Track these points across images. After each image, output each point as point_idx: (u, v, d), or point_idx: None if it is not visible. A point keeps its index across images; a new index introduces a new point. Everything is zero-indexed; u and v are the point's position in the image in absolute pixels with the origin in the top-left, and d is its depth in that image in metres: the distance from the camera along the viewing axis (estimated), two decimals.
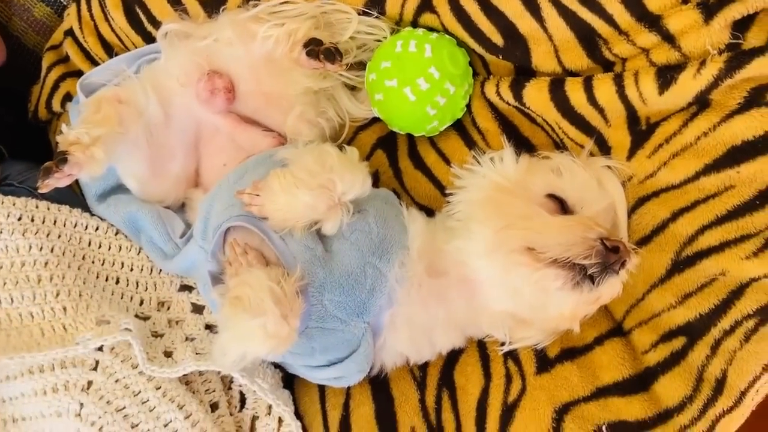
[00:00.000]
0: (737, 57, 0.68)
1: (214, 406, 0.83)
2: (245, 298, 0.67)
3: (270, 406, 0.83)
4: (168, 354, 0.82)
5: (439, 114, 0.83)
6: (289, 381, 0.85)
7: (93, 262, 0.88)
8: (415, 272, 0.75)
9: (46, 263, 0.82)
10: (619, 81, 0.73)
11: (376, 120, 0.93)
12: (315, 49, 0.81)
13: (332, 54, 0.81)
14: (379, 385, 0.81)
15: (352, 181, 0.73)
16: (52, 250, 0.83)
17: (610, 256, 0.67)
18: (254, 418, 0.84)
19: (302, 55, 0.82)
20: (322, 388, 0.83)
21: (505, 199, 0.74)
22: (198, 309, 0.89)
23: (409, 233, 0.76)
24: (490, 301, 0.74)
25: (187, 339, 0.86)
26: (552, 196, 0.73)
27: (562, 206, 0.73)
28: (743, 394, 0.72)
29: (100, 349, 0.79)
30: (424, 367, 0.82)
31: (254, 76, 0.87)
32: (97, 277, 0.87)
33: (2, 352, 0.75)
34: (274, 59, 0.85)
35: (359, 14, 0.86)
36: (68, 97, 1.02)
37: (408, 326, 0.75)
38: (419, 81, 0.81)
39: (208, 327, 0.87)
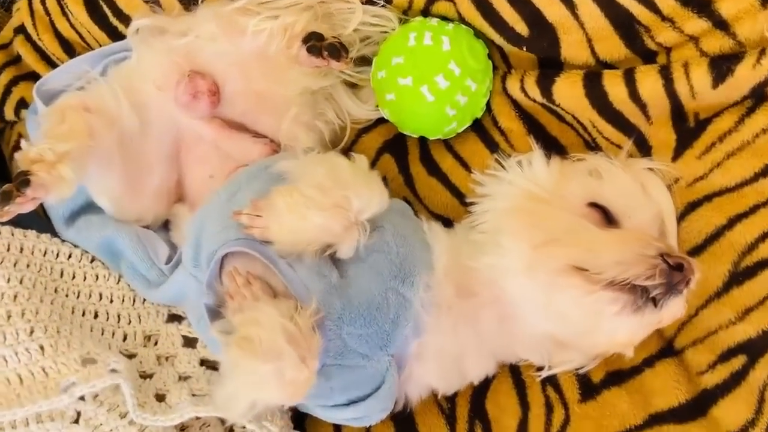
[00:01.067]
0: None
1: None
2: (256, 339, 0.58)
3: None
4: (160, 397, 0.73)
5: (459, 114, 0.75)
6: (300, 419, 0.76)
7: (67, 295, 0.78)
8: (443, 295, 0.66)
9: (15, 296, 0.73)
10: (666, 74, 0.66)
11: (381, 121, 0.83)
12: (317, 44, 0.72)
13: (337, 50, 0.71)
14: (403, 421, 0.73)
15: (369, 197, 0.65)
16: (21, 282, 0.74)
17: (674, 275, 0.59)
18: None
19: (302, 52, 0.73)
20: (338, 428, 0.74)
21: (540, 209, 0.66)
22: (190, 342, 0.79)
23: (433, 251, 0.68)
24: (528, 325, 0.66)
25: (180, 378, 0.76)
26: (594, 205, 0.65)
27: (606, 216, 0.65)
28: None
29: (82, 397, 0.69)
30: (452, 397, 0.74)
31: (243, 76, 0.77)
32: (73, 311, 0.77)
33: None
34: (266, 56, 0.75)
35: (363, 3, 0.76)
36: (23, 103, 0.91)
37: (437, 356, 0.67)
38: (438, 79, 0.73)
39: (204, 362, 0.78)
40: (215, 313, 0.67)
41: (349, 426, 0.74)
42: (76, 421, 0.69)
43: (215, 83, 0.77)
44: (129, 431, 0.70)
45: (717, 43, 0.65)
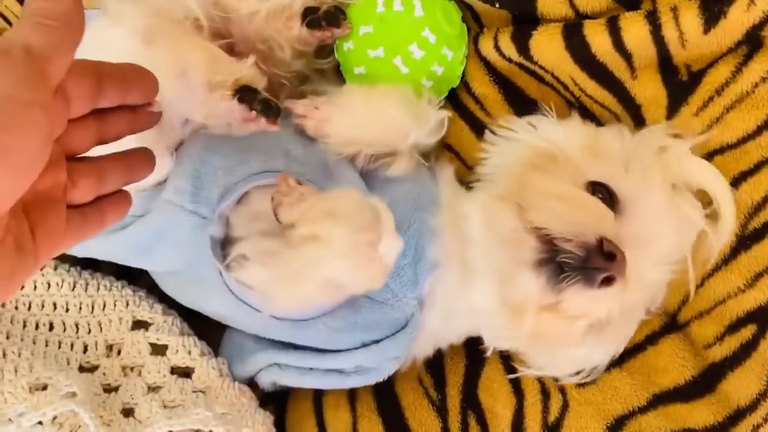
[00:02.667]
0: None
1: None
2: (343, 211, 0.54)
3: None
4: (128, 412, 0.68)
5: (436, 86, 0.69)
6: (281, 420, 0.71)
7: (17, 308, 0.73)
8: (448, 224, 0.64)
9: None
10: (653, 19, 0.59)
11: None
12: (315, 17, 0.66)
13: (334, 16, 0.66)
14: (391, 416, 0.69)
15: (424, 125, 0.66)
16: None
17: (596, 259, 0.53)
18: None
19: (303, 30, 0.66)
20: (322, 426, 0.70)
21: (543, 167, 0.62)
22: (159, 350, 0.73)
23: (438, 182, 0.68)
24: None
25: (150, 389, 0.70)
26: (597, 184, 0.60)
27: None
28: None
29: (40, 422, 0.63)
30: (442, 387, 0.69)
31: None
32: (25, 325, 0.72)
33: None
34: (261, 40, 0.68)
35: None
36: None
37: (444, 296, 0.64)
38: (411, 48, 0.66)
39: (175, 370, 0.71)
40: (216, 246, 0.62)
41: (334, 425, 0.69)
42: None
43: None
44: None
45: None
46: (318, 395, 0.71)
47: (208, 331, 0.76)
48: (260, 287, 0.57)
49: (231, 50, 0.69)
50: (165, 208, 0.63)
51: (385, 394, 0.70)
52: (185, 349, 0.72)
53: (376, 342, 0.63)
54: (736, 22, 0.57)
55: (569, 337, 0.57)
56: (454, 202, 0.66)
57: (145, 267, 0.69)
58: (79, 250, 0.70)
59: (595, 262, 0.53)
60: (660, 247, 0.59)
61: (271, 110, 0.59)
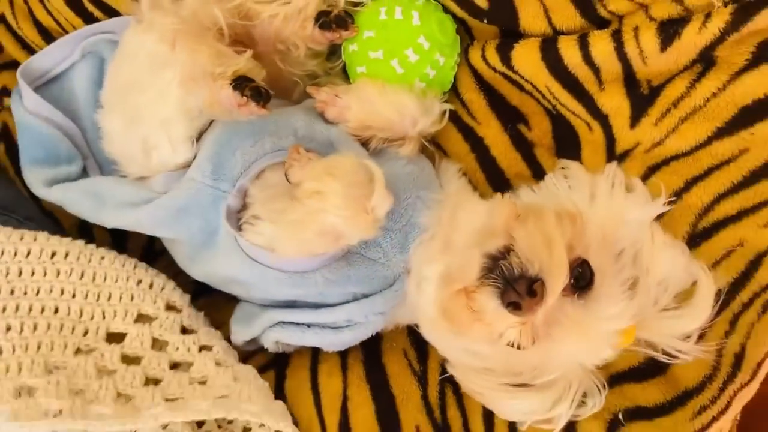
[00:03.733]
0: (744, 8, 0.64)
1: (200, 424, 0.76)
2: (341, 170, 0.63)
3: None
4: (125, 398, 0.72)
5: (428, 87, 0.77)
6: (280, 387, 0.79)
7: (25, 293, 0.75)
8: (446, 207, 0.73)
9: None
10: (617, 37, 0.68)
11: None
12: (327, 20, 0.76)
13: (344, 20, 0.76)
14: (378, 384, 0.77)
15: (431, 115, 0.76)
16: None
17: (521, 285, 0.60)
18: (246, 430, 0.78)
19: (316, 31, 0.76)
20: (316, 392, 0.77)
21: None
22: (160, 345, 0.78)
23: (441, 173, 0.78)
24: None
25: (148, 381, 0.75)
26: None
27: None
28: (759, 366, 0.70)
29: None
30: (424, 360, 0.77)
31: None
32: (30, 311, 0.75)
33: None
34: (280, 40, 0.78)
35: None
36: (5, 91, 0.94)
37: (419, 262, 0.71)
38: (407, 52, 0.75)
39: (174, 366, 0.77)
40: (231, 217, 0.71)
41: (327, 390, 0.77)
42: None
43: None
44: None
45: (666, 10, 0.66)
46: (314, 364, 0.79)
47: (217, 305, 0.85)
48: (269, 241, 0.67)
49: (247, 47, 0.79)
50: (189, 185, 0.73)
51: (373, 365, 0.78)
52: (185, 345, 0.77)
53: (366, 296, 0.71)
54: (689, 43, 0.65)
55: (464, 329, 0.65)
56: (457, 194, 0.74)
57: (168, 236, 0.79)
58: (111, 221, 0.79)
59: (518, 286, 0.60)
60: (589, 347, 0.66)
61: (260, 96, 0.68)
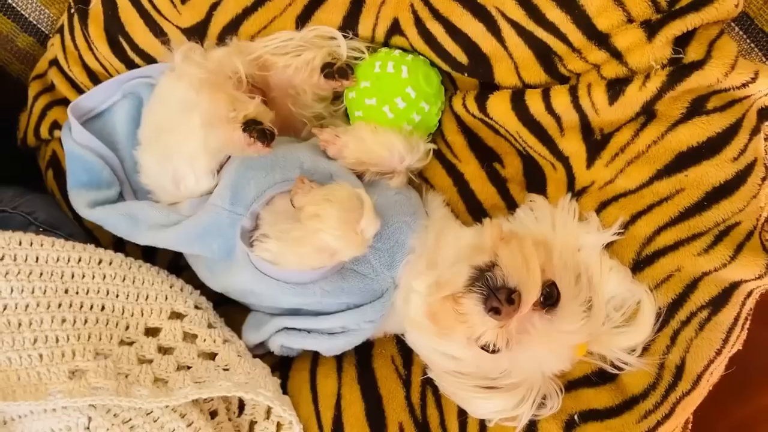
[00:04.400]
0: (678, 70, 0.75)
1: (213, 414, 0.88)
2: (335, 196, 0.75)
3: (268, 411, 0.88)
4: (161, 381, 0.85)
5: (414, 130, 0.89)
6: (284, 386, 0.91)
7: (77, 293, 0.87)
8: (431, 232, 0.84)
9: (26, 307, 0.83)
10: (573, 92, 0.79)
11: None
12: (330, 71, 0.88)
13: (345, 71, 0.89)
14: (367, 385, 0.87)
15: (416, 153, 0.87)
16: (33, 292, 0.84)
17: (502, 293, 0.71)
18: (252, 423, 0.89)
19: (321, 79, 0.89)
20: (314, 391, 0.88)
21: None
22: (190, 337, 0.91)
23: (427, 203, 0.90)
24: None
25: (180, 368, 0.88)
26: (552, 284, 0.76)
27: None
28: (699, 377, 0.80)
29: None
30: (408, 366, 0.88)
31: (271, 102, 0.93)
32: (81, 307, 0.87)
33: None
34: (291, 86, 0.91)
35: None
36: (56, 125, 1.06)
37: (407, 279, 0.82)
38: (397, 100, 0.87)
39: (201, 355, 0.89)
40: (245, 236, 0.82)
41: (324, 390, 0.87)
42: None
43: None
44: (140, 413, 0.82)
45: (613, 70, 0.78)
46: (313, 367, 0.90)
47: (230, 314, 0.96)
48: (275, 256, 0.78)
49: (265, 95, 0.92)
50: (210, 209, 0.85)
51: (364, 369, 0.88)
52: (211, 338, 0.90)
53: (358, 306, 0.82)
54: (632, 98, 0.76)
55: (448, 331, 0.75)
56: (441, 221, 0.86)
57: (193, 252, 0.90)
58: (144, 239, 0.91)
59: (499, 294, 0.71)
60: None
61: (265, 137, 0.80)
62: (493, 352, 0.74)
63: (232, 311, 0.96)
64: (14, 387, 0.79)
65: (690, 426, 0.89)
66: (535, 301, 0.73)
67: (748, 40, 0.96)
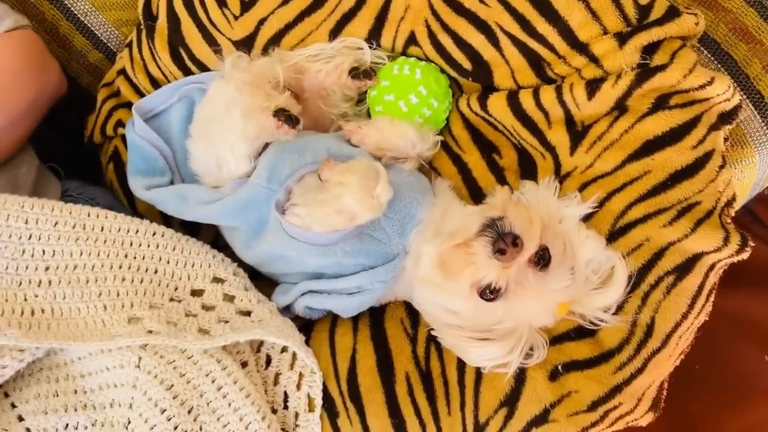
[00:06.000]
0: (644, 72, 0.90)
1: (244, 364, 1.00)
2: (356, 169, 0.89)
3: (292, 364, 1.00)
4: (204, 331, 0.98)
5: (425, 123, 1.04)
6: (306, 343, 1.03)
7: (135, 258, 1.01)
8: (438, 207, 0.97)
9: (93, 267, 0.97)
10: (558, 90, 0.95)
11: None
12: (357, 72, 1.05)
13: (368, 72, 1.05)
14: (379, 342, 0.98)
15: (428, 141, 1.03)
16: (98, 255, 0.98)
17: (508, 237, 0.83)
18: (277, 374, 1.01)
19: (348, 80, 1.05)
20: (333, 347, 1.00)
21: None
22: (229, 298, 1.04)
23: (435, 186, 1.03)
24: None
25: (220, 320, 1.00)
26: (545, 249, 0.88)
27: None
28: (668, 336, 0.89)
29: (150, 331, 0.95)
30: (416, 326, 0.99)
31: (304, 103, 1.09)
32: (138, 270, 1.00)
33: (54, 337, 0.91)
34: (323, 88, 1.07)
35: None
36: (120, 123, 1.23)
37: (417, 245, 0.94)
38: (411, 96, 1.02)
39: (239, 312, 1.03)
40: (279, 208, 0.95)
41: (341, 344, 1.00)
42: (150, 332, 0.95)
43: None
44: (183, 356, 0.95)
45: (591, 72, 0.93)
46: (332, 327, 1.02)
47: (261, 288, 1.09)
48: (303, 220, 0.92)
49: (298, 98, 1.09)
50: (249, 187, 1.00)
51: (377, 328, 1.00)
52: (247, 298, 1.03)
53: (372, 268, 0.95)
54: (607, 94, 0.91)
55: (455, 276, 0.86)
56: (447, 200, 0.99)
57: (233, 224, 1.04)
58: (191, 215, 1.05)
59: (506, 238, 0.84)
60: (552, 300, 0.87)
61: (291, 121, 0.96)
62: (491, 300, 0.87)
63: (262, 285, 1.10)
64: (83, 331, 0.93)
65: (665, 391, 0.99)
66: (531, 257, 0.85)
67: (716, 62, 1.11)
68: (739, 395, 1.68)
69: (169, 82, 1.19)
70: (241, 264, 1.09)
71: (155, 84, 1.21)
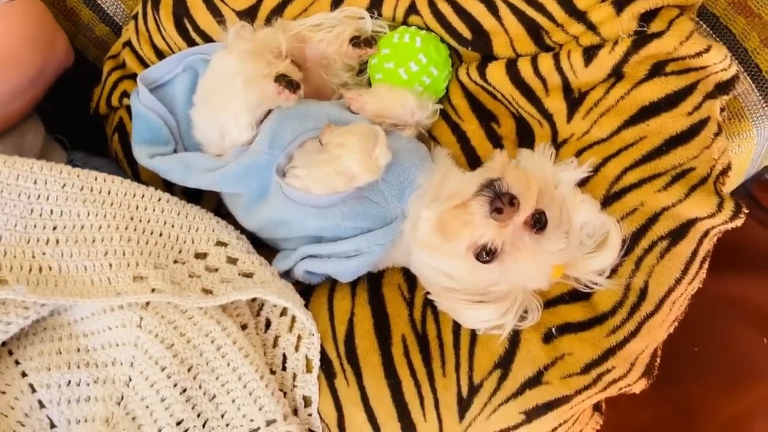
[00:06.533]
0: (641, 39, 0.91)
1: (243, 326, 1.02)
2: (356, 131, 0.91)
3: (290, 327, 1.02)
4: (207, 291, 1.00)
5: (425, 91, 1.06)
6: (306, 307, 1.05)
7: (140, 221, 1.03)
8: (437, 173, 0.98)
9: (99, 227, 0.99)
10: (556, 57, 0.96)
11: None
12: (358, 41, 1.06)
13: (369, 41, 1.07)
14: (377, 306, 1.00)
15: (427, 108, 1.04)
16: (104, 216, 1.00)
17: (505, 197, 0.84)
18: (276, 337, 1.03)
19: (349, 48, 1.07)
20: (331, 310, 1.02)
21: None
22: (233, 261, 1.06)
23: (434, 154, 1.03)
24: None
25: (223, 281, 1.03)
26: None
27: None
28: (662, 301, 0.91)
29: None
30: (412, 291, 1.01)
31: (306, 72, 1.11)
32: (143, 232, 1.02)
33: (60, 293, 0.93)
34: (324, 56, 1.09)
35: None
36: (125, 94, 1.25)
37: (415, 209, 0.96)
38: (410, 64, 1.03)
39: (241, 273, 1.05)
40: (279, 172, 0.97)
41: (339, 308, 1.02)
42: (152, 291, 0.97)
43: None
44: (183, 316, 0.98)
45: (589, 39, 0.94)
46: (331, 292, 1.03)
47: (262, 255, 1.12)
48: (303, 182, 0.93)
49: (301, 67, 1.11)
50: (251, 153, 1.01)
51: (375, 293, 1.01)
52: (250, 260, 1.04)
53: (370, 231, 0.96)
54: (604, 61, 0.93)
55: (453, 237, 0.87)
56: (446, 166, 1.00)
57: (235, 191, 1.06)
58: (194, 182, 1.07)
59: (503, 197, 0.85)
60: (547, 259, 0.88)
61: (291, 86, 0.97)
62: (487, 262, 0.88)
63: (263, 252, 1.11)
64: (89, 288, 0.94)
65: (658, 358, 1.00)
66: (527, 219, 0.87)
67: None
68: (738, 378, 1.70)
69: (173, 53, 1.19)
70: (243, 232, 1.11)
71: (160, 55, 1.21)
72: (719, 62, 0.93)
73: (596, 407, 1.01)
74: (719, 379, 1.68)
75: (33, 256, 0.96)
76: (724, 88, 0.97)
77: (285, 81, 0.98)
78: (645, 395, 0.99)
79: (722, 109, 0.98)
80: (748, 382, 1.68)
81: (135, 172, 1.24)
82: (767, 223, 1.77)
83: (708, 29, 1.11)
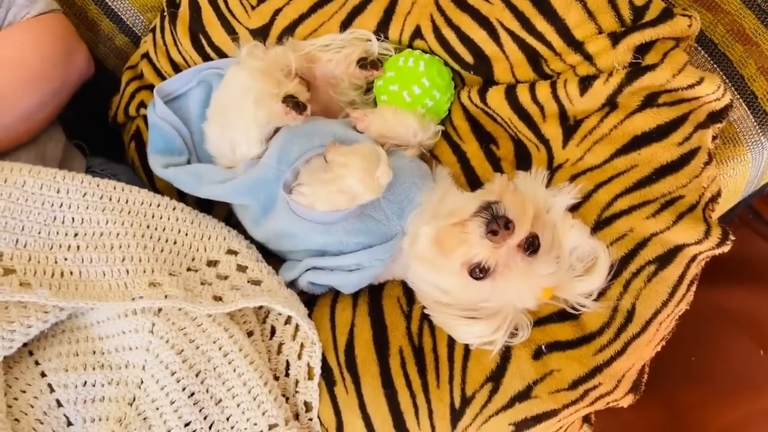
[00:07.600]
0: (635, 70, 0.94)
1: (249, 333, 1.07)
2: (359, 152, 0.95)
3: (294, 335, 1.07)
4: (217, 298, 1.05)
5: (427, 113, 1.10)
6: (308, 317, 1.10)
7: (156, 229, 1.08)
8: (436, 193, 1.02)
9: (117, 234, 1.03)
10: (553, 85, 0.99)
11: None
12: (365, 63, 1.10)
13: (376, 63, 1.10)
14: (376, 317, 1.03)
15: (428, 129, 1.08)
16: (122, 224, 1.04)
17: (501, 220, 0.87)
18: (280, 344, 1.08)
19: (356, 69, 1.11)
20: (333, 321, 1.06)
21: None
22: (242, 269, 1.11)
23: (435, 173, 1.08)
24: None
25: (233, 288, 1.07)
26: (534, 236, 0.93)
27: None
28: (648, 322, 0.94)
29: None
30: (411, 304, 1.05)
31: (315, 91, 1.16)
32: (158, 240, 1.08)
33: (80, 297, 0.98)
34: (332, 76, 1.14)
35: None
36: (142, 104, 1.30)
37: (414, 227, 1.00)
38: (414, 87, 1.07)
39: (250, 281, 1.09)
40: (286, 188, 1.00)
41: (340, 319, 1.06)
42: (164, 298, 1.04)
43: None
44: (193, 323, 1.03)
45: (585, 69, 0.98)
46: (333, 303, 1.08)
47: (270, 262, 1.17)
48: (307, 199, 0.98)
49: (310, 86, 1.15)
50: (260, 167, 1.06)
51: (375, 305, 1.05)
52: (258, 269, 1.09)
53: (371, 246, 0.99)
54: (599, 91, 0.96)
55: (449, 253, 0.90)
56: (446, 186, 1.04)
57: (244, 203, 1.10)
58: (205, 192, 1.12)
59: (499, 220, 0.89)
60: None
61: (298, 107, 1.01)
62: (479, 279, 0.92)
63: (270, 262, 1.16)
64: (107, 293, 0.99)
65: (646, 374, 1.04)
66: (521, 242, 0.91)
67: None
68: (733, 388, 1.73)
69: (189, 66, 1.23)
70: (252, 242, 1.16)
71: (176, 68, 1.25)
72: (711, 93, 0.97)
73: (585, 419, 1.05)
74: (715, 389, 1.71)
75: (56, 262, 1.01)
76: (717, 116, 1.00)
77: (292, 102, 1.03)
78: (640, 403, 1.03)
79: (715, 137, 1.01)
80: (744, 392, 1.71)
81: (150, 180, 1.29)
82: None
83: (706, 55, 1.14)
